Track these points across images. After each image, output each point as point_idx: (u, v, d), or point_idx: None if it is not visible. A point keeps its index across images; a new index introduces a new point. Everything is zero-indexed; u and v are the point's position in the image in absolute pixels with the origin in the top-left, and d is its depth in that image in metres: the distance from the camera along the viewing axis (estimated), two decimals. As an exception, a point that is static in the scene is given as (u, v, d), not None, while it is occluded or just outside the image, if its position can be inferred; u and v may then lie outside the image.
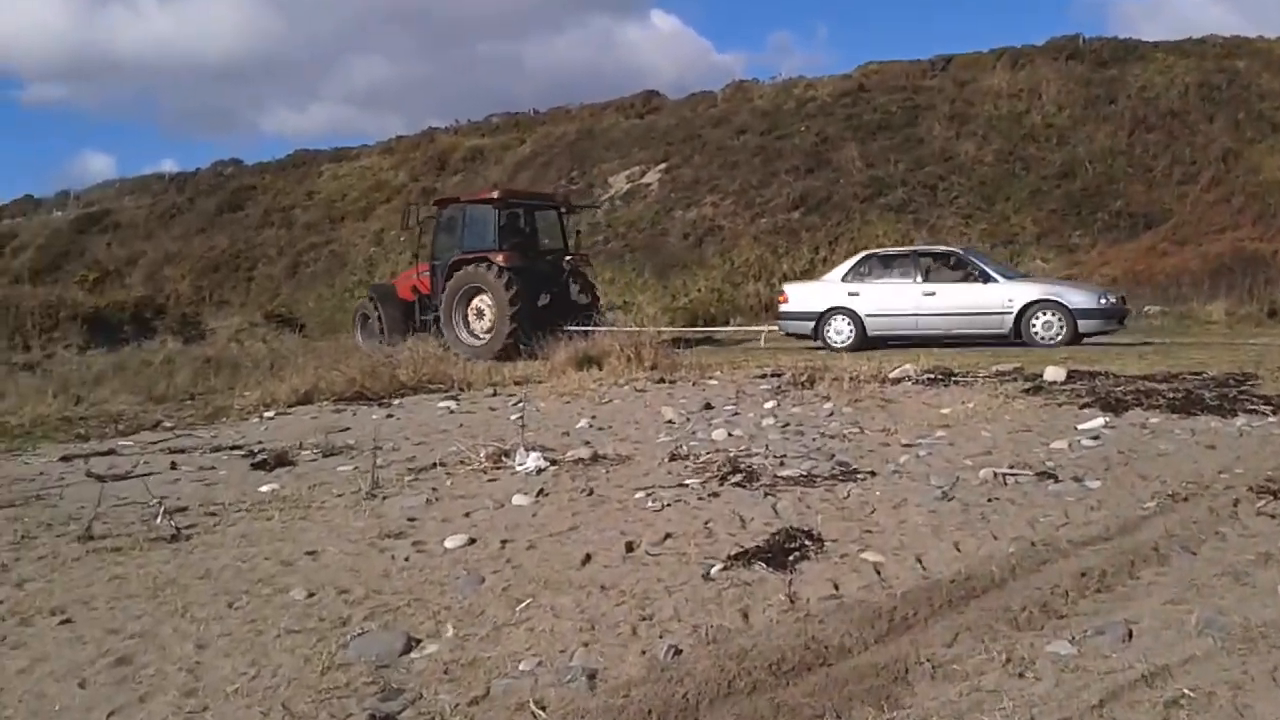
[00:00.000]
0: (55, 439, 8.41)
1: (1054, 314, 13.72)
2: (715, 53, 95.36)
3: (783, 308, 15.80)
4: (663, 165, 33.78)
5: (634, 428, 7.43)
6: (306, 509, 5.34)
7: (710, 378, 9.84)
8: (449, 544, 4.54)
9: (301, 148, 48.38)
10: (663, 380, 9.58)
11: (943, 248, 16.58)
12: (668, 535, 4.48)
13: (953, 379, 8.57)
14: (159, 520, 5.09)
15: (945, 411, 7.13)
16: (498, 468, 6.02)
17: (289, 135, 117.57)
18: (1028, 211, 27.45)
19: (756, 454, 6.12)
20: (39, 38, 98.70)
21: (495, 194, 16.83)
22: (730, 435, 6.80)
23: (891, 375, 8.79)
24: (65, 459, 7.27)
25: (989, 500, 4.87)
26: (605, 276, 30.18)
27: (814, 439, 6.55)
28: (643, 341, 10.58)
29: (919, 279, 14.62)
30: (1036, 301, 13.84)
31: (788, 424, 7.15)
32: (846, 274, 15.18)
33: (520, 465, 5.93)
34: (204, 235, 40.64)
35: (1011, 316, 13.83)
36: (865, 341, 14.45)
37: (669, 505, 4.97)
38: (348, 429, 8.20)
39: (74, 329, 19.99)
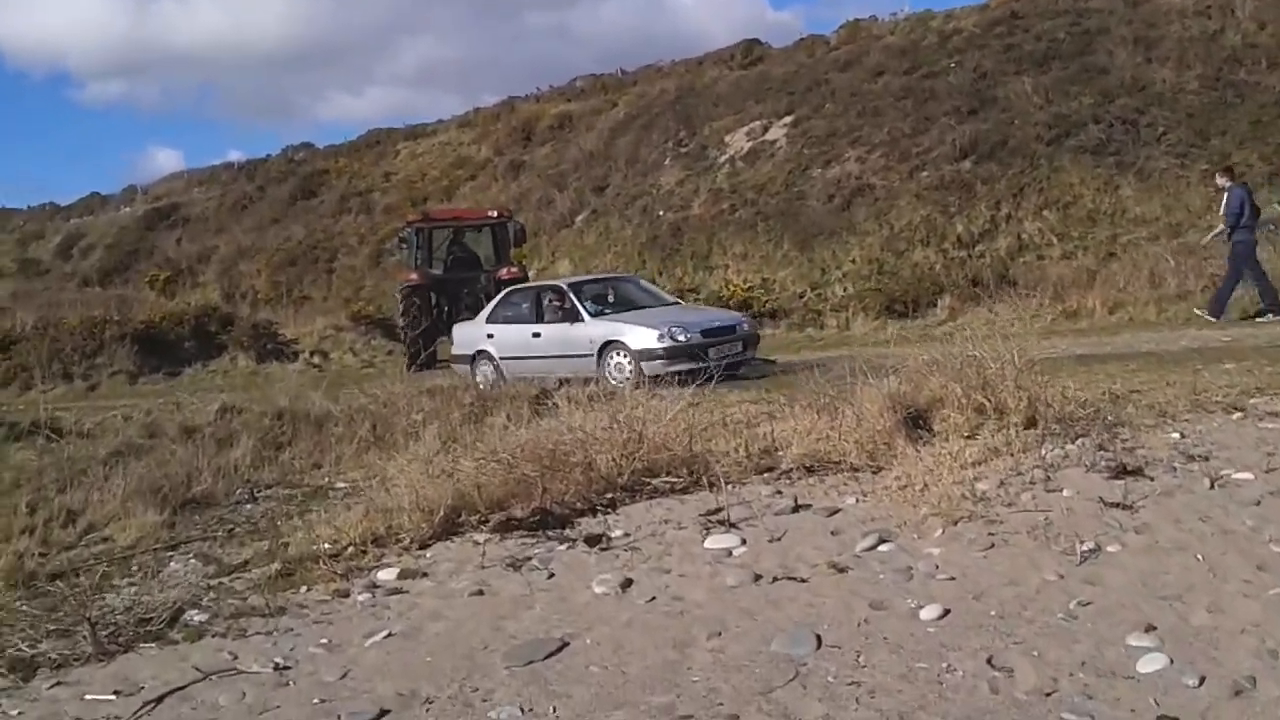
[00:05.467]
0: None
1: (623, 355, 12.65)
2: (771, 10, 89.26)
3: (452, 350, 15.66)
4: (788, 118, 29.01)
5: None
6: None
7: (1195, 450, 5.09)
8: None
9: (374, 127, 44.58)
10: (1123, 469, 4.85)
11: (553, 282, 15.95)
12: None
13: None
14: None
15: None
16: None
17: (347, 120, 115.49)
18: (1253, 146, 22.24)
19: None
20: (92, 35, 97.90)
21: (410, 218, 19.42)
22: None
23: None
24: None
25: None
26: (736, 251, 25.72)
27: None
28: (993, 374, 6.06)
29: (534, 319, 14.22)
30: (610, 342, 12.92)
31: None
32: (490, 314, 14.91)
33: None
34: (278, 226, 37.29)
35: (594, 358, 12.86)
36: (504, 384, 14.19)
37: None
38: (562, 647, 3.87)
39: (123, 351, 16.26)
